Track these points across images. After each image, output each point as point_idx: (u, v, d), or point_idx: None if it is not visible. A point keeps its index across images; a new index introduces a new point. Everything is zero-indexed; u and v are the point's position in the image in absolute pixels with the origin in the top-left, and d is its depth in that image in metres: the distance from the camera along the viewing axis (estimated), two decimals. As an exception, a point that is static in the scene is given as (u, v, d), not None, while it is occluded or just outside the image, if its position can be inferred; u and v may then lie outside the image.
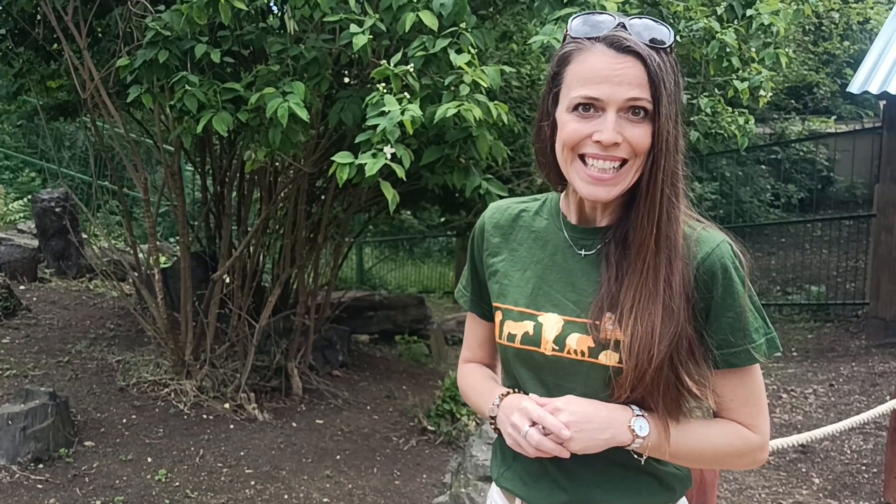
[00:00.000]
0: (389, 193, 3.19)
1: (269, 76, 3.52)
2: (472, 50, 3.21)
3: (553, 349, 1.33)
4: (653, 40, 1.23)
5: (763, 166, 11.97)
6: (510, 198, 1.53)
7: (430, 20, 3.17)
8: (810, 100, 13.36)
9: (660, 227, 1.26)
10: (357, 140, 3.17)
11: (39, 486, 3.60)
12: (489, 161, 3.82)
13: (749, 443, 1.34)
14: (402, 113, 3.00)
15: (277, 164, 4.69)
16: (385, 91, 3.13)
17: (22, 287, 6.38)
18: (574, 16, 1.31)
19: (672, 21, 4.05)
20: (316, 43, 3.57)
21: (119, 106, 4.53)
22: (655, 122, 1.22)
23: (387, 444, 4.65)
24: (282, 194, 4.86)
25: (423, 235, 12.97)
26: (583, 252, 1.35)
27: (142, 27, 3.62)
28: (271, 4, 4.35)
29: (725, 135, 4.69)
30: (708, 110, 4.54)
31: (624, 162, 1.25)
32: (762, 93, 4.10)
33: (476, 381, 1.55)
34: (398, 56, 3.23)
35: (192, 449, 4.13)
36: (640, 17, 1.26)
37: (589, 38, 1.25)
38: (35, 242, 7.26)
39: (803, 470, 4.68)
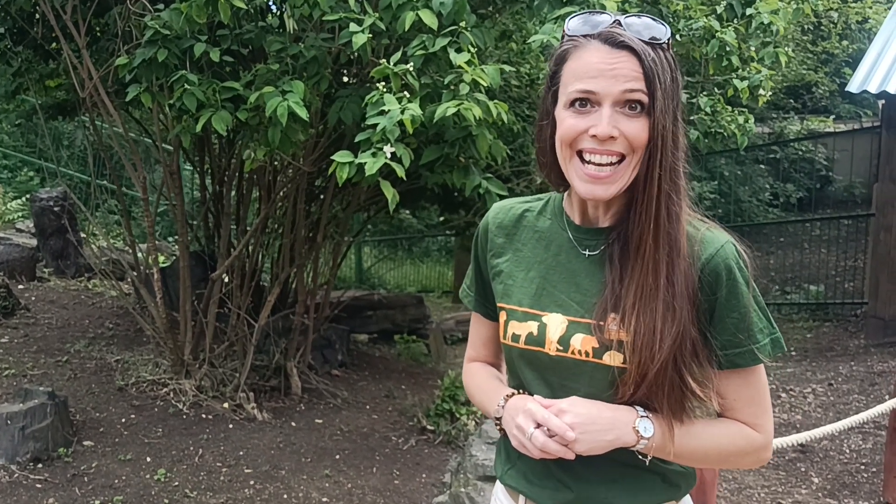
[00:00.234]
0: (389, 193, 3.19)
1: (269, 75, 3.52)
2: (471, 49, 3.21)
3: (557, 349, 1.34)
4: (649, 37, 1.23)
5: (762, 165, 11.98)
6: (513, 198, 1.53)
7: (429, 19, 3.16)
8: (809, 99, 13.37)
9: (658, 224, 1.26)
10: (357, 139, 3.17)
11: (38, 485, 3.60)
12: (489, 160, 3.82)
13: (753, 442, 1.34)
14: (402, 112, 2.99)
15: (277, 163, 4.69)
16: (385, 90, 3.13)
17: (20, 286, 6.37)
18: (572, 15, 1.31)
19: (672, 20, 4.04)
20: (315, 42, 3.56)
21: (118, 105, 4.52)
22: (651, 116, 1.23)
23: (386, 443, 4.65)
24: (281, 193, 4.85)
25: (422, 235, 12.96)
26: (587, 252, 1.35)
27: (141, 26, 3.61)
28: (270, 3, 4.35)
29: (725, 134, 4.69)
30: (707, 109, 4.54)
31: (622, 158, 1.25)
32: (762, 92, 4.10)
33: (481, 381, 1.55)
34: (398, 55, 3.23)
35: (192, 448, 4.13)
36: (638, 16, 1.27)
37: (585, 36, 1.26)
38: (34, 242, 7.25)
39: (802, 469, 4.68)
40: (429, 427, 4.85)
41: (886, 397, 5.11)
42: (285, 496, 3.84)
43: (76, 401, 4.38)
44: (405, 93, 3.12)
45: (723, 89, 4.52)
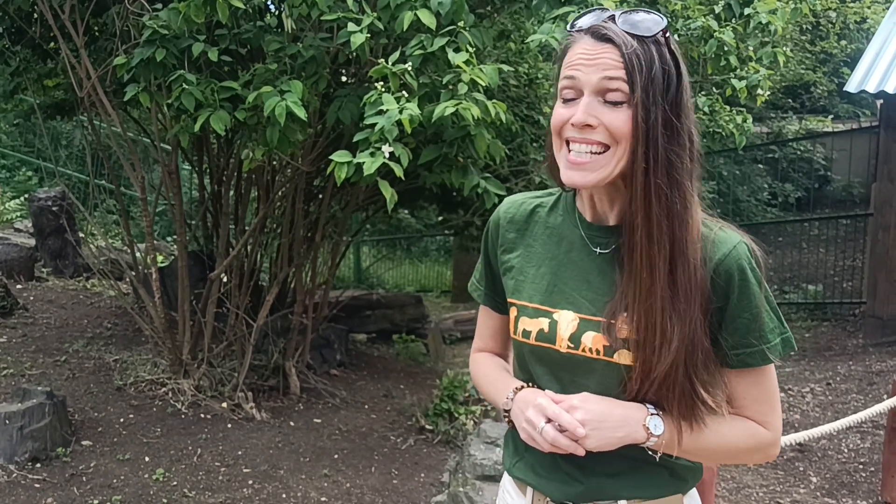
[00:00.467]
0: (387, 192, 3.19)
1: (267, 75, 3.52)
2: (470, 49, 3.21)
3: (568, 347, 1.34)
4: (636, 30, 1.24)
5: (760, 165, 11.98)
6: (524, 192, 1.54)
7: (428, 19, 3.16)
8: (807, 99, 13.37)
9: (649, 219, 1.25)
10: (355, 139, 3.17)
11: (37, 485, 3.60)
12: (487, 160, 3.82)
13: (761, 440, 1.35)
14: (401, 112, 2.99)
15: (275, 162, 4.68)
16: (383, 90, 3.13)
17: (19, 286, 6.37)
18: (579, 14, 1.33)
19: (670, 19, 4.04)
20: (314, 41, 3.56)
21: (116, 105, 4.52)
22: (632, 107, 1.23)
23: (385, 443, 4.65)
24: (279, 193, 4.85)
25: (421, 234, 12.97)
26: (598, 250, 1.36)
27: (139, 26, 3.61)
28: (269, 3, 4.35)
29: (723, 133, 4.69)
30: (706, 109, 4.54)
31: (606, 149, 1.26)
32: (760, 91, 4.10)
33: (489, 371, 1.56)
34: (396, 55, 3.23)
35: (190, 448, 4.13)
36: (636, 11, 1.27)
37: (579, 31, 1.29)
38: (32, 241, 7.24)
39: (801, 469, 4.68)
40: (427, 427, 4.85)
41: (885, 397, 5.12)
42: (284, 496, 3.84)
43: (74, 400, 4.38)
44: (403, 92, 3.12)
45: (721, 89, 4.53)
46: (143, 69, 3.51)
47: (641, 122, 1.23)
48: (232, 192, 5.25)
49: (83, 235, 7.19)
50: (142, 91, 3.60)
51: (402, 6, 3.22)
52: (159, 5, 3.72)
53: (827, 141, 11.60)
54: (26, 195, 8.63)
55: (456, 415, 4.91)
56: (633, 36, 1.23)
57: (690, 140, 1.27)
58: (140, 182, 4.54)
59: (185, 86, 3.38)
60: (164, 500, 3.63)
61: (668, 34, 1.25)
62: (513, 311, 1.43)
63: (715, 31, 3.81)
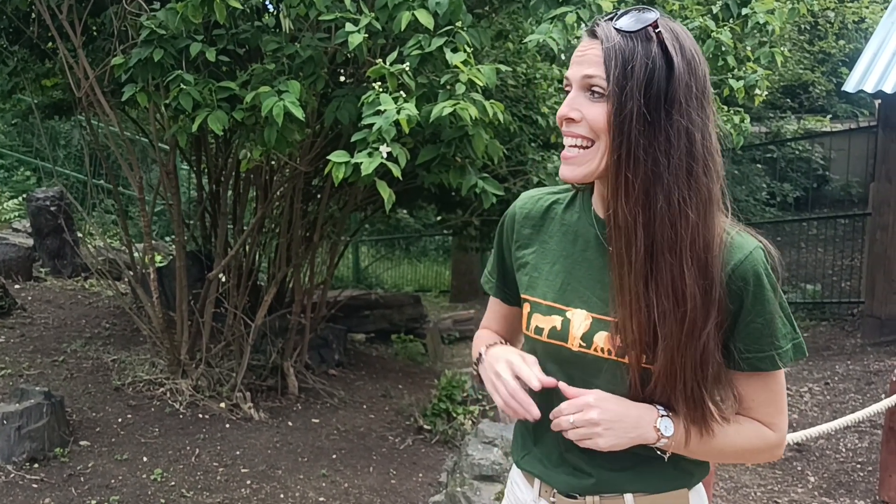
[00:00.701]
0: (385, 192, 3.19)
1: (265, 75, 3.51)
2: (467, 49, 3.21)
3: (580, 345, 1.35)
4: (622, 25, 1.25)
5: (759, 165, 11.99)
6: (541, 188, 1.55)
7: (425, 19, 3.16)
8: (806, 99, 13.38)
9: (617, 213, 1.26)
10: (353, 139, 3.17)
11: (35, 485, 3.60)
12: (485, 160, 3.82)
13: (768, 441, 1.37)
14: (398, 112, 2.99)
15: (273, 162, 4.68)
16: (381, 90, 3.13)
17: (17, 286, 6.36)
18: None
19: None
20: (311, 41, 3.56)
21: (114, 105, 4.52)
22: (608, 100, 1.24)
23: (383, 443, 4.65)
24: (278, 193, 4.85)
25: (420, 234, 12.97)
26: (612, 249, 1.35)
27: (137, 26, 3.60)
28: (267, 3, 4.34)
29: (721, 133, 4.68)
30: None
31: (592, 143, 1.28)
32: (758, 91, 4.10)
33: (483, 337, 1.60)
34: (394, 55, 3.22)
35: (188, 448, 4.13)
36: (638, 9, 1.28)
37: (585, 32, 1.32)
38: (30, 241, 7.24)
39: (799, 468, 4.69)
40: (425, 426, 4.85)
41: (883, 396, 5.12)
42: (282, 496, 3.84)
43: (72, 401, 4.38)
44: (401, 93, 3.12)
45: (719, 89, 4.52)
46: (140, 69, 3.50)
47: (614, 115, 1.23)
48: (230, 192, 5.25)
49: (81, 235, 7.19)
50: (139, 91, 3.60)
51: (400, 6, 3.22)
52: (157, 5, 3.72)
53: (825, 141, 11.61)
54: (24, 195, 8.63)
55: (454, 415, 4.91)
56: (618, 31, 1.24)
57: (689, 138, 1.25)
58: (138, 182, 4.53)
59: (182, 86, 3.38)
60: (162, 501, 3.63)
61: (658, 30, 1.24)
62: (526, 308, 1.44)
63: (712, 31, 3.81)
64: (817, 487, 4.44)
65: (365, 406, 5.21)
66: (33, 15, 4.62)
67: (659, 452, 1.35)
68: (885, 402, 3.80)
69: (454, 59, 3.14)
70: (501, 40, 4.80)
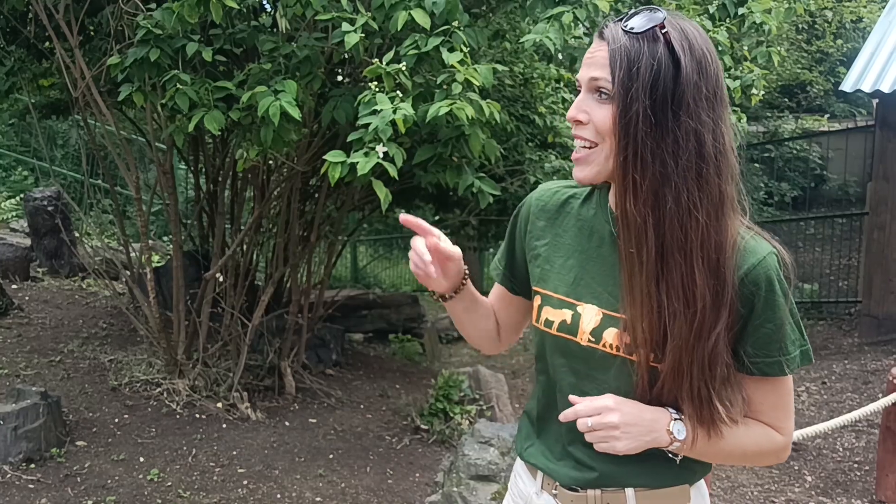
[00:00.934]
0: (382, 192, 3.19)
1: (261, 75, 3.51)
2: (464, 48, 3.21)
3: (589, 341, 1.36)
4: (629, 26, 1.24)
5: (756, 164, 11.98)
6: (559, 181, 1.54)
7: (422, 19, 3.16)
8: (803, 98, 13.37)
9: (625, 213, 1.26)
10: (349, 139, 3.17)
11: (31, 486, 3.59)
12: (482, 159, 3.82)
13: (775, 444, 1.38)
14: (394, 112, 2.99)
15: (271, 162, 4.68)
16: (377, 90, 3.13)
17: (14, 286, 6.36)
18: None
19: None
20: (308, 41, 3.56)
21: (111, 104, 4.51)
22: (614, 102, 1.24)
23: (380, 442, 4.65)
24: (275, 193, 4.85)
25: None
26: (622, 248, 1.35)
27: (133, 25, 3.60)
28: (265, 3, 4.34)
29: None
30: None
31: (597, 144, 1.28)
32: (754, 91, 4.10)
33: None
34: (390, 54, 3.22)
35: (185, 448, 4.12)
36: (645, 10, 1.27)
37: (596, 33, 1.31)
38: (27, 241, 7.23)
39: (795, 468, 4.69)
40: (422, 426, 4.84)
41: (880, 395, 5.12)
42: (279, 496, 3.84)
43: (69, 401, 4.37)
44: (398, 92, 3.12)
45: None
46: (136, 69, 3.50)
47: (619, 117, 1.23)
48: (228, 192, 5.25)
49: (78, 235, 7.18)
50: (136, 91, 3.60)
51: (397, 6, 3.22)
52: (153, 5, 3.71)
53: (823, 140, 11.60)
54: (22, 195, 8.62)
55: (451, 414, 4.91)
56: (625, 32, 1.23)
57: (698, 140, 1.23)
58: (134, 182, 4.53)
59: (179, 86, 3.38)
60: (159, 501, 3.63)
61: (665, 30, 1.23)
62: (537, 300, 1.45)
63: (709, 30, 3.81)
64: (814, 487, 4.44)
65: (362, 406, 5.21)
66: (30, 15, 4.62)
67: (671, 455, 1.36)
68: (882, 402, 3.81)
69: (451, 58, 3.14)
70: (499, 40, 4.80)
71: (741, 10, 3.78)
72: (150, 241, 5.77)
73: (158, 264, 6.41)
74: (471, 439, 3.58)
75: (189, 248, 5.77)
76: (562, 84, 5.63)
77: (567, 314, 1.38)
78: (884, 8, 7.94)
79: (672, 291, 1.25)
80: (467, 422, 4.86)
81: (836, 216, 10.00)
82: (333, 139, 4.25)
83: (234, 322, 4.79)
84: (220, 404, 4.60)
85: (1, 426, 3.69)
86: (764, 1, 3.78)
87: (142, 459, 3.96)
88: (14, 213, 8.86)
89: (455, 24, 3.23)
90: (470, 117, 3.11)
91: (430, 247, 1.38)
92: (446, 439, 4.76)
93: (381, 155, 3.00)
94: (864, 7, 12.23)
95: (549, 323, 1.41)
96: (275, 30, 3.83)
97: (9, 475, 3.61)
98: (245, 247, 5.01)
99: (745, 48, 4.15)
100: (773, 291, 1.28)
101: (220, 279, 4.76)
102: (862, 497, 4.26)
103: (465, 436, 3.74)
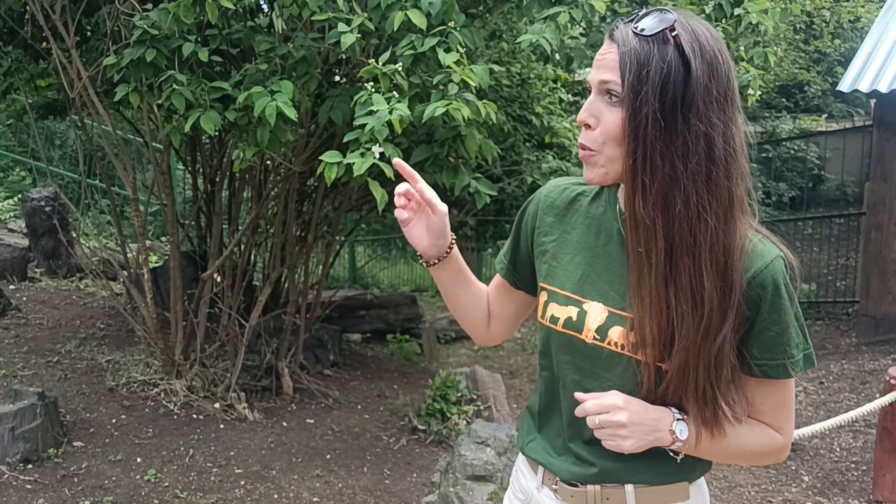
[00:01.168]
0: (378, 193, 3.19)
1: (258, 75, 3.51)
2: (460, 49, 3.21)
3: (594, 338, 1.36)
4: (640, 29, 1.23)
5: (754, 164, 11.87)
6: (569, 177, 1.55)
7: (418, 19, 3.16)
8: (801, 98, 13.38)
9: (635, 216, 1.26)
10: (345, 139, 3.17)
11: (28, 486, 3.59)
12: (479, 160, 3.82)
13: (775, 444, 1.39)
14: (391, 112, 2.99)
15: (269, 162, 4.68)
16: (373, 90, 3.13)
17: (12, 287, 6.36)
18: None
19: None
20: (304, 42, 3.56)
21: (108, 105, 4.51)
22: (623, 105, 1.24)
23: (377, 443, 4.65)
24: (272, 193, 4.85)
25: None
26: (630, 249, 1.35)
27: (130, 26, 3.60)
28: (262, 3, 4.34)
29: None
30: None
31: (597, 152, 1.28)
32: (750, 91, 4.10)
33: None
34: (387, 55, 3.23)
35: (182, 449, 4.12)
36: (656, 11, 1.25)
37: (606, 34, 1.31)
38: (25, 242, 7.23)
39: (793, 468, 4.69)
40: (420, 427, 4.85)
41: (877, 395, 5.12)
42: (276, 496, 3.84)
43: (66, 401, 4.37)
44: (394, 93, 3.12)
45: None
46: (133, 69, 3.50)
47: (628, 120, 1.23)
48: (225, 192, 5.25)
49: (76, 236, 7.18)
50: (132, 91, 3.60)
51: (393, 6, 3.22)
52: (150, 5, 3.72)
53: (821, 140, 11.62)
54: (20, 195, 8.62)
55: (448, 415, 4.91)
56: (636, 35, 1.23)
57: (708, 143, 1.23)
58: (131, 182, 4.53)
59: (175, 86, 3.38)
60: (156, 501, 3.63)
61: (676, 32, 1.22)
62: (543, 296, 1.45)
63: (706, 31, 3.81)
64: (811, 487, 4.45)
65: (360, 406, 5.21)
66: (27, 15, 4.62)
67: (672, 454, 1.37)
68: (879, 402, 3.81)
69: (447, 59, 3.14)
70: (496, 40, 4.80)
71: (737, 11, 3.78)
72: (148, 242, 5.77)
73: (156, 265, 6.41)
74: (467, 439, 3.58)
75: (187, 248, 5.77)
76: (559, 84, 5.63)
77: (573, 311, 1.39)
78: (881, 8, 7.95)
79: (680, 293, 1.25)
80: (464, 422, 4.86)
81: (833, 216, 10.01)
82: (330, 139, 4.25)
83: (231, 322, 4.79)
84: (217, 405, 4.60)
85: (-2, 427, 3.70)
86: (760, 1, 3.78)
87: (139, 460, 3.96)
88: (12, 214, 8.86)
89: (451, 24, 3.23)
90: (466, 118, 3.12)
91: (416, 191, 1.43)
92: (443, 439, 4.76)
93: (378, 155, 3.01)
94: (862, 7, 12.24)
95: (554, 319, 1.41)
96: (271, 30, 3.83)
97: (6, 476, 3.61)
98: (242, 247, 5.02)
99: (742, 49, 4.15)
100: (780, 295, 1.28)
101: (218, 279, 4.76)
102: (859, 497, 4.27)
103: (461, 436, 3.74)
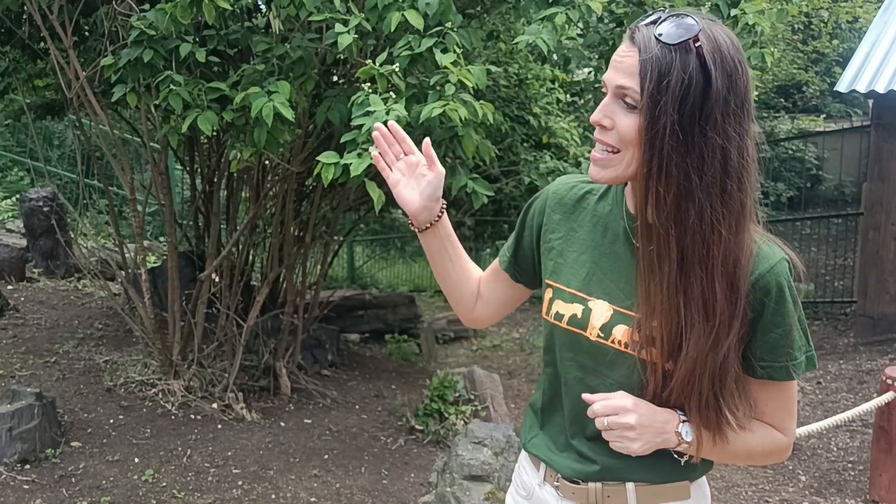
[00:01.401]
0: (375, 193, 3.19)
1: (255, 75, 3.52)
2: (457, 49, 3.21)
3: (598, 336, 1.36)
4: (662, 35, 1.21)
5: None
6: (577, 175, 1.54)
7: (415, 20, 3.17)
8: (800, 98, 13.40)
9: (647, 224, 1.27)
10: (342, 140, 3.17)
11: (26, 486, 3.59)
12: (477, 160, 3.82)
13: (778, 444, 1.40)
14: (388, 113, 2.99)
15: (267, 162, 4.68)
16: (370, 91, 3.13)
17: (10, 287, 6.36)
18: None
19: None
20: (301, 42, 3.56)
21: (105, 105, 4.51)
22: (642, 113, 1.22)
23: (375, 443, 4.65)
24: (270, 193, 4.85)
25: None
26: (637, 244, 1.36)
27: (127, 26, 3.60)
28: (260, 3, 4.34)
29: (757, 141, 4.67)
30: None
31: (619, 150, 1.27)
32: (748, 92, 4.10)
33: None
34: (384, 56, 3.23)
35: (180, 449, 4.12)
36: (678, 15, 1.23)
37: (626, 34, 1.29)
38: (23, 242, 7.23)
39: (790, 467, 4.70)
40: (417, 427, 4.85)
41: (874, 395, 5.13)
42: (273, 496, 3.84)
43: (64, 402, 4.38)
44: (391, 93, 3.13)
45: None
46: (130, 70, 3.50)
47: (646, 129, 1.21)
48: (223, 192, 5.25)
49: (74, 236, 7.18)
50: (130, 92, 3.60)
51: (390, 7, 3.22)
52: (147, 6, 3.72)
53: (819, 140, 11.64)
54: (18, 195, 8.62)
55: (446, 415, 4.91)
56: (658, 41, 1.20)
57: (724, 156, 1.22)
58: (129, 183, 4.53)
59: (172, 86, 3.38)
60: (153, 502, 3.63)
61: (699, 42, 1.20)
62: (548, 293, 1.45)
63: (703, 31, 3.81)
64: (808, 486, 4.45)
65: (357, 406, 5.21)
66: (25, 15, 4.62)
67: (676, 456, 1.38)
68: (876, 402, 3.82)
69: (444, 59, 3.14)
70: (493, 41, 4.81)
71: (734, 12, 3.78)
72: (147, 242, 5.77)
73: (154, 265, 6.41)
74: (464, 439, 3.58)
75: (184, 248, 5.77)
76: (556, 85, 5.64)
77: (578, 309, 1.39)
78: (879, 8, 7.95)
79: (691, 303, 1.26)
80: (462, 422, 4.86)
81: (831, 216, 10.02)
82: (328, 140, 4.25)
83: (229, 322, 4.79)
84: (215, 405, 4.60)
85: (-5, 427, 3.70)
86: (757, 2, 3.78)
87: (136, 460, 3.96)
88: (10, 214, 8.85)
89: (448, 25, 3.24)
90: (463, 118, 3.12)
91: (406, 151, 1.51)
92: (441, 440, 4.77)
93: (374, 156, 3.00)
94: (860, 7, 12.25)
95: (559, 316, 1.42)
96: (268, 31, 3.83)
97: (3, 476, 3.62)
98: (240, 247, 5.02)
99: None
100: (784, 298, 1.29)
101: (216, 280, 4.76)
102: (855, 496, 4.27)
103: (458, 436, 3.75)
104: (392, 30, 3.17)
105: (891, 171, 6.93)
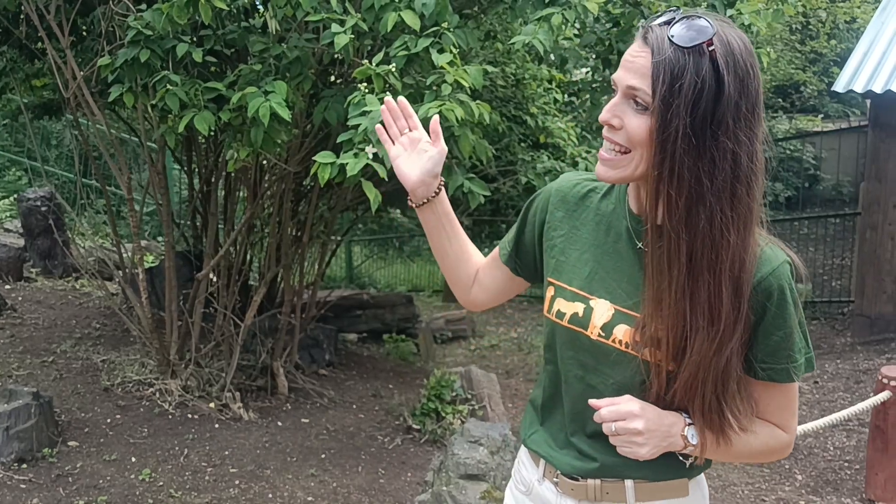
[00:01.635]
0: (371, 193, 3.20)
1: (252, 75, 3.52)
2: (454, 49, 3.22)
3: (599, 335, 1.37)
4: (676, 38, 1.20)
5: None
6: (580, 172, 1.54)
7: (411, 20, 3.17)
8: (797, 98, 13.41)
9: (656, 224, 1.27)
10: (339, 140, 3.18)
11: (23, 486, 3.60)
12: (474, 160, 3.83)
13: (780, 441, 1.41)
14: (384, 113, 3.00)
15: (264, 162, 4.69)
16: (367, 91, 3.14)
17: (7, 287, 6.36)
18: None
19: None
20: (298, 42, 3.57)
21: (103, 105, 4.51)
22: (653, 115, 1.21)
23: (372, 442, 4.66)
24: (267, 193, 4.85)
25: (412, 234, 12.96)
26: (640, 245, 1.36)
27: (124, 26, 3.61)
28: (258, 3, 4.34)
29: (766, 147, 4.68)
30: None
31: (629, 150, 1.27)
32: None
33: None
34: (380, 56, 3.23)
35: (177, 448, 4.13)
36: (691, 17, 1.22)
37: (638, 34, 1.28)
38: (21, 241, 7.22)
39: (786, 466, 4.71)
40: (414, 426, 4.85)
41: (871, 395, 5.14)
42: (270, 496, 3.85)
43: (61, 401, 4.38)
44: (388, 93, 3.13)
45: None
46: (127, 70, 3.50)
47: (657, 132, 1.21)
48: (221, 192, 5.25)
49: (72, 236, 7.18)
50: (126, 91, 3.60)
51: (387, 7, 3.23)
52: (144, 6, 3.72)
53: (816, 140, 11.64)
54: (15, 195, 8.61)
55: (443, 414, 4.92)
56: (671, 43, 1.19)
57: (734, 160, 1.22)
58: (126, 182, 4.53)
59: (169, 86, 3.38)
60: (151, 501, 3.64)
61: (712, 46, 1.19)
62: (550, 291, 1.45)
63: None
64: (805, 485, 4.46)
65: (355, 406, 5.22)
66: (22, 15, 4.62)
67: (681, 458, 1.39)
68: (872, 401, 3.83)
69: (440, 59, 3.15)
70: (490, 41, 4.81)
71: (730, 12, 3.79)
72: (145, 242, 5.77)
73: (152, 264, 6.41)
74: (460, 439, 3.59)
75: (182, 248, 5.77)
76: (554, 85, 5.64)
77: (579, 307, 1.40)
78: (877, 8, 7.96)
79: (698, 308, 1.26)
80: (459, 421, 4.87)
81: (829, 216, 10.03)
82: (325, 140, 4.26)
83: (226, 322, 4.80)
84: (212, 404, 4.60)
85: (-8, 426, 3.70)
86: (753, 2, 3.79)
87: (133, 459, 3.96)
88: (7, 214, 8.85)
89: (445, 25, 3.24)
90: (459, 118, 3.12)
91: (411, 126, 1.51)
92: (438, 439, 4.77)
93: (371, 156, 3.01)
94: (858, 7, 12.26)
95: (560, 314, 1.42)
96: (265, 31, 3.84)
97: (0, 475, 3.62)
98: (238, 247, 5.02)
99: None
100: (785, 300, 1.29)
101: (213, 279, 4.76)
102: (852, 495, 4.28)
103: (454, 435, 3.75)
104: (388, 30, 3.18)
105: (888, 171, 6.94)
